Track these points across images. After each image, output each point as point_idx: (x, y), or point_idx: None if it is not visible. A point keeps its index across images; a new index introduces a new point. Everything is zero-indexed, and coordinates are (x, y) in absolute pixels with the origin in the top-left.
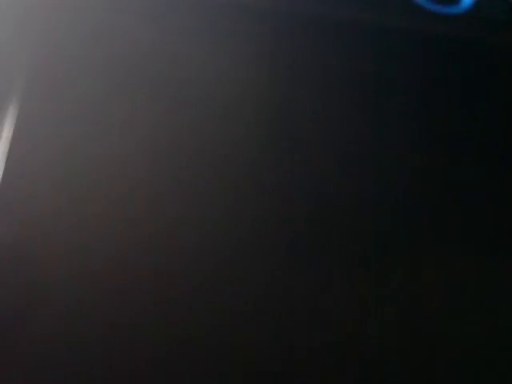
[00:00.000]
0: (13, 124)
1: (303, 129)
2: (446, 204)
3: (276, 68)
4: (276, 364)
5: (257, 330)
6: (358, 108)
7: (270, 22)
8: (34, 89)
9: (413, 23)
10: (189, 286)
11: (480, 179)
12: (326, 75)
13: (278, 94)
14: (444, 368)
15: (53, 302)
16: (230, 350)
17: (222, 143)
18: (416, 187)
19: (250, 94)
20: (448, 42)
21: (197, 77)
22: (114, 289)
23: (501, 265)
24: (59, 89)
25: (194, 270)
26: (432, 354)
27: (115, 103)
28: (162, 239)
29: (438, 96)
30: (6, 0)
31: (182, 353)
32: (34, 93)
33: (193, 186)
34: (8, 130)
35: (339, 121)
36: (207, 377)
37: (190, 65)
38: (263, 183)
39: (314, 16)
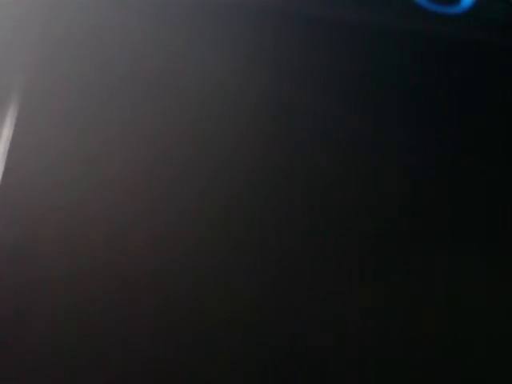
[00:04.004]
0: (13, 124)
1: (303, 128)
2: (446, 204)
3: (276, 68)
4: (276, 364)
5: (256, 329)
6: (357, 108)
7: (270, 22)
8: (34, 89)
9: (412, 23)
10: (189, 287)
11: (481, 179)
12: (326, 75)
13: (278, 94)
14: (445, 368)
15: (53, 302)
16: (229, 350)
17: (222, 143)
18: (416, 187)
19: (249, 94)
20: (448, 42)
21: (197, 76)
22: (115, 289)
23: (503, 265)
24: (59, 89)
25: (195, 269)
26: (433, 355)
27: (116, 103)
28: (162, 239)
29: (438, 96)
30: (5, 0)
31: (182, 352)
32: (34, 93)
33: (193, 185)
34: (8, 130)
35: (338, 121)
36: (207, 376)
37: (191, 64)
38: (263, 183)
39: (314, 16)
